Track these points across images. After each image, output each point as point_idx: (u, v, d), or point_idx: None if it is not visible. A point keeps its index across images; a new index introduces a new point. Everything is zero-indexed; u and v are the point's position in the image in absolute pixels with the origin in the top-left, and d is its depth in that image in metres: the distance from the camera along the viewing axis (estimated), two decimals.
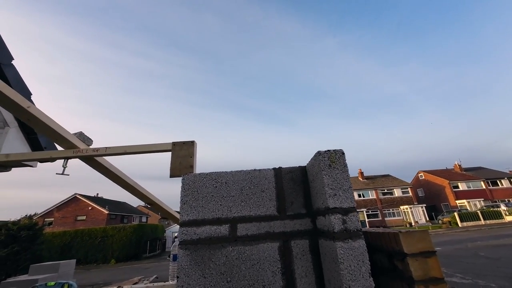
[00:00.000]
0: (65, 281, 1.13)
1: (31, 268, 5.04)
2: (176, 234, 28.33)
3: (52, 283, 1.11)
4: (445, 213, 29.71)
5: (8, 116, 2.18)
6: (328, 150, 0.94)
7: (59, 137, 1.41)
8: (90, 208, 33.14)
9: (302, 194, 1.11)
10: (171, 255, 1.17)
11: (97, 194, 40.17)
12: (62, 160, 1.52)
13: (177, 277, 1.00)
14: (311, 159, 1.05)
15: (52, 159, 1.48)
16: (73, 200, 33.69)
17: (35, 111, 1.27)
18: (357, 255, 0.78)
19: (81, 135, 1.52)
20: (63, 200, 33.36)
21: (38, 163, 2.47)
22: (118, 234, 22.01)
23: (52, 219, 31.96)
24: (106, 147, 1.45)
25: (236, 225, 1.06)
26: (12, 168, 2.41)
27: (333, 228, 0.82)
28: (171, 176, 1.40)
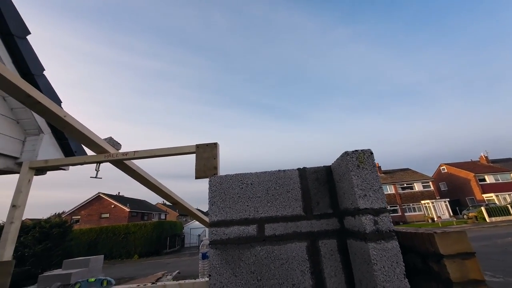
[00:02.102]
0: (104, 278, 1.22)
1: (64, 263, 5.37)
2: (199, 233, 29.10)
3: (93, 279, 1.21)
4: (470, 208, 28.23)
5: (42, 124, 2.34)
6: (356, 150, 0.93)
7: (92, 142, 1.50)
8: (112, 206, 34.82)
9: (328, 194, 1.11)
10: (200, 254, 1.22)
11: (119, 192, 42.06)
12: (95, 164, 1.61)
13: (209, 275, 1.05)
14: (337, 159, 1.04)
15: (86, 163, 1.58)
16: (97, 199, 35.52)
17: (71, 119, 1.36)
18: (391, 256, 0.78)
19: (110, 140, 1.61)
20: (88, 199, 35.27)
21: (70, 166, 2.64)
22: (140, 231, 22.98)
23: (79, 217, 33.91)
24: (135, 151, 1.52)
25: (263, 225, 1.09)
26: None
27: (364, 229, 0.82)
28: (197, 177, 1.45)
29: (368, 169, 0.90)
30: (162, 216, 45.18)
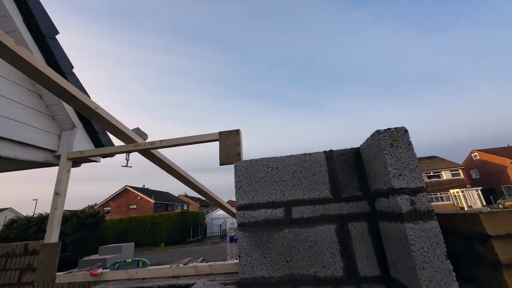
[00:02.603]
0: (139, 259, 1.30)
1: (100, 249, 5.84)
2: (221, 223, 30.04)
3: (130, 260, 1.29)
4: (506, 197, 26.18)
5: (75, 119, 2.50)
6: (389, 129, 0.88)
7: (121, 133, 1.57)
8: (139, 198, 36.89)
9: (357, 176, 1.08)
10: (228, 237, 1.25)
11: (144, 185, 44.35)
12: (124, 154, 1.69)
13: (239, 256, 1.07)
14: (367, 139, 1.00)
15: (116, 153, 1.66)
16: (125, 192, 37.78)
17: (101, 111, 1.43)
18: (430, 237, 0.74)
19: (138, 131, 1.68)
20: (116, 192, 37.63)
21: (101, 159, 2.81)
22: (165, 221, 24.22)
23: (109, 208, 36.40)
24: (161, 140, 1.58)
25: (290, 208, 1.08)
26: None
27: (399, 210, 0.78)
28: (221, 164, 1.47)
29: (402, 148, 0.85)
30: (185, 207, 47.11)
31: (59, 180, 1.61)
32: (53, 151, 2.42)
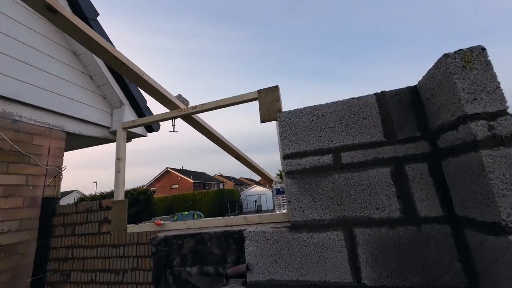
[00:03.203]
0: (194, 212, 1.44)
1: (152, 220, 6.65)
2: (255, 199, 31.40)
3: (186, 213, 1.45)
4: None
5: (122, 97, 2.73)
6: (460, 50, 0.77)
7: (166, 99, 1.66)
8: (179, 178, 40.09)
9: (414, 116, 0.99)
10: (274, 190, 1.32)
11: (182, 167, 47.83)
12: (170, 121, 1.80)
13: (289, 202, 1.10)
14: (429, 70, 0.89)
15: (163, 120, 1.77)
16: (166, 173, 41.30)
17: (147, 77, 1.51)
18: None
19: (180, 97, 1.75)
20: (159, 174, 41.33)
21: (148, 134, 3.08)
22: (204, 198, 26.16)
23: (155, 188, 40.41)
24: (202, 104, 1.63)
25: (339, 154, 1.06)
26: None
27: (473, 137, 0.70)
28: (262, 121, 1.48)
29: (478, 69, 0.73)
30: (220, 186, 49.92)
31: (118, 147, 1.80)
32: (108, 128, 2.70)
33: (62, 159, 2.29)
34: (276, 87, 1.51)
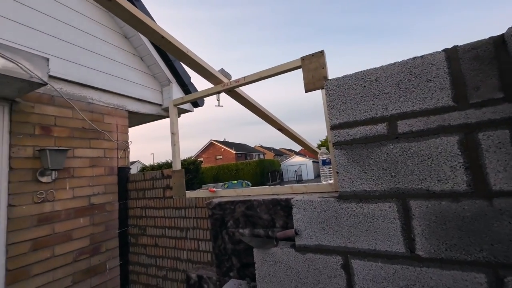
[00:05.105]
0: (243, 181, 1.58)
1: (203, 187, 7.37)
2: (296, 169, 31.81)
3: (235, 181, 1.60)
4: None
5: (169, 75, 2.92)
6: None
7: (210, 74, 1.72)
8: (222, 149, 42.63)
9: (496, 73, 0.82)
10: (320, 160, 1.34)
11: (225, 139, 50.34)
12: (215, 95, 1.87)
13: (337, 173, 1.10)
14: None
15: (208, 95, 1.85)
16: (211, 145, 44.22)
17: (192, 54, 1.57)
18: None
19: (223, 71, 1.79)
20: (205, 145, 44.52)
21: (194, 109, 3.28)
22: (246, 168, 27.59)
23: (202, 158, 44.01)
24: (244, 77, 1.64)
25: (395, 123, 0.97)
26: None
27: None
28: (306, 90, 1.42)
29: None
30: (261, 156, 51.49)
31: (171, 122, 1.98)
32: (160, 105, 2.98)
33: (128, 135, 2.67)
34: (321, 52, 1.40)
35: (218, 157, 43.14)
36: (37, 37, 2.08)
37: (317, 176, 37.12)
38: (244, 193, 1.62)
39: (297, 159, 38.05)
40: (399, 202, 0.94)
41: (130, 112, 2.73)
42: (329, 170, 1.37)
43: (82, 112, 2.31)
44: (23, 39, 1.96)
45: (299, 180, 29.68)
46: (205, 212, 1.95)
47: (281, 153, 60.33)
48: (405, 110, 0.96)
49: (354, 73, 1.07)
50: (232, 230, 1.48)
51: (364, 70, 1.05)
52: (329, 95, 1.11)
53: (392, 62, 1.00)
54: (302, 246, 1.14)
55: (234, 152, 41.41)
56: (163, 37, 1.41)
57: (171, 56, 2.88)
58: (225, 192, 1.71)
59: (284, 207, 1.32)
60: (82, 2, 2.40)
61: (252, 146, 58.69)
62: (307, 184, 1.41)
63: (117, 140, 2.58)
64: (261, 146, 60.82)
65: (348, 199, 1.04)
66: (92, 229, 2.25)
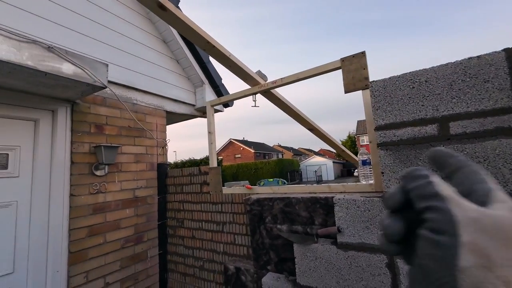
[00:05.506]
0: (279, 179, 1.65)
1: (226, 184, 7.59)
2: (315, 170, 31.29)
3: (271, 179, 1.67)
4: None
5: (203, 77, 3.07)
6: None
7: (248, 76, 1.79)
8: (241, 148, 43.10)
9: None
10: (360, 161, 1.34)
11: (243, 138, 50.82)
12: (252, 96, 1.94)
13: (382, 173, 1.11)
14: None
15: (245, 96, 1.93)
16: (230, 144, 44.91)
17: (233, 58, 1.65)
18: None
19: (260, 73, 1.85)
20: (224, 144, 45.31)
21: (224, 109, 3.40)
22: (265, 167, 27.65)
23: (221, 157, 44.90)
24: (281, 78, 1.69)
25: (447, 124, 0.97)
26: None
27: None
28: (346, 91, 1.44)
29: None
30: (279, 156, 51.24)
31: (209, 122, 2.09)
32: (193, 105, 3.14)
33: (165, 133, 2.87)
34: (363, 53, 1.41)
35: (237, 155, 43.71)
36: (97, 45, 2.32)
37: (338, 177, 36.06)
38: (281, 191, 1.68)
39: (317, 159, 37.33)
40: None
41: (167, 112, 2.91)
42: (370, 171, 1.38)
43: (128, 112, 2.52)
44: (88, 48, 2.21)
45: (319, 181, 29.10)
46: (241, 208, 2.04)
47: (300, 153, 59.57)
48: (459, 111, 0.95)
49: (401, 74, 1.08)
50: (270, 226, 1.55)
51: (412, 71, 1.05)
52: (374, 96, 1.13)
53: (444, 63, 0.99)
54: (344, 244, 1.17)
55: (253, 151, 41.68)
56: (208, 42, 1.51)
57: (205, 58, 3.03)
58: (261, 189, 1.78)
59: (324, 205, 1.36)
60: (128, 10, 2.61)
61: (271, 145, 58.60)
62: (344, 183, 1.43)
63: (157, 138, 2.78)
64: (279, 146, 60.52)
65: None
66: (136, 219, 2.46)
